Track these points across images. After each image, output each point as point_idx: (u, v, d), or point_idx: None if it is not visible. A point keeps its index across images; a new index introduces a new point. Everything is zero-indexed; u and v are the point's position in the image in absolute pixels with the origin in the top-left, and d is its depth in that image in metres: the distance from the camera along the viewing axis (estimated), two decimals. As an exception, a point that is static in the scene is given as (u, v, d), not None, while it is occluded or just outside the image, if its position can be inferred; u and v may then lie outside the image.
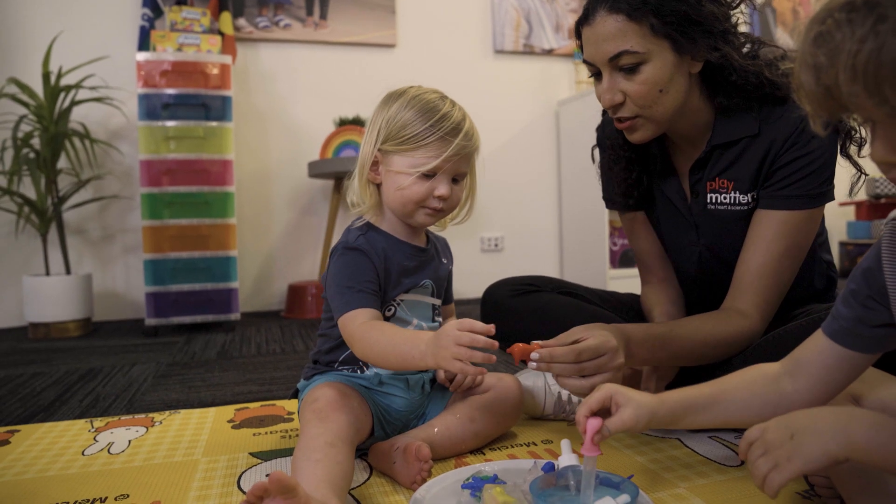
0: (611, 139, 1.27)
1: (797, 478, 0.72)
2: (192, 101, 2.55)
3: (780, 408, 0.76)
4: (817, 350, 0.77)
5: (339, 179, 3.00)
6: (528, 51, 3.58)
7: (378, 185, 1.08)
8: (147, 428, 1.30)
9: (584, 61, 1.11)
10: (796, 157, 1.07)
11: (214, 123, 2.57)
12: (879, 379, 0.82)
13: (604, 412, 0.82)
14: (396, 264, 1.06)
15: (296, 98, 3.19)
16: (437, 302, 1.15)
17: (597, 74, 1.11)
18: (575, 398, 1.26)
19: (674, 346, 1.07)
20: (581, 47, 1.11)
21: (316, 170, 2.86)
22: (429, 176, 1.03)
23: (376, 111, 1.07)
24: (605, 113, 1.37)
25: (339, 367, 1.10)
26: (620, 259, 3.45)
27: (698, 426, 0.83)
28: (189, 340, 2.39)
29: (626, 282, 3.15)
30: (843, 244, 4.09)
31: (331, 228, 3.04)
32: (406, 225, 1.09)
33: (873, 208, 4.07)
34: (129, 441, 1.23)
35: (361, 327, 0.95)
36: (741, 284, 1.12)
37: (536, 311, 1.32)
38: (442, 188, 1.03)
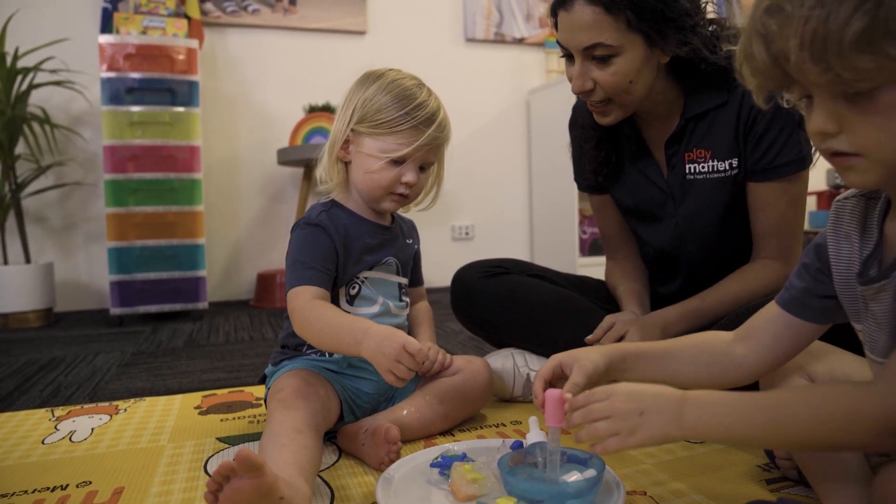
0: (583, 119, 1.29)
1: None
2: (157, 85, 2.50)
3: (728, 371, 0.80)
4: (768, 318, 0.80)
5: (309, 167, 2.97)
6: (500, 39, 3.58)
7: (346, 164, 1.08)
8: (111, 416, 1.28)
9: (558, 42, 1.13)
10: (771, 123, 1.11)
11: (181, 109, 2.52)
12: (829, 352, 0.85)
13: (560, 381, 0.81)
14: (358, 241, 1.07)
15: (265, 84, 3.15)
16: (404, 281, 1.15)
17: (569, 56, 1.13)
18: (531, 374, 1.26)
19: (711, 314, 1.12)
20: (556, 26, 1.12)
21: (285, 157, 2.82)
22: (398, 162, 1.03)
23: (352, 89, 1.07)
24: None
25: (307, 351, 1.09)
26: (590, 247, 3.49)
27: (649, 379, 0.84)
28: (156, 329, 2.35)
29: (597, 269, 3.17)
30: (805, 233, 4.19)
31: (300, 216, 3.00)
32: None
33: (833, 198, 4.17)
34: (92, 429, 1.20)
35: (303, 304, 0.96)
36: (759, 242, 1.19)
37: (506, 292, 1.33)
38: (409, 175, 1.04)
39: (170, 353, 1.92)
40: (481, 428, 1.14)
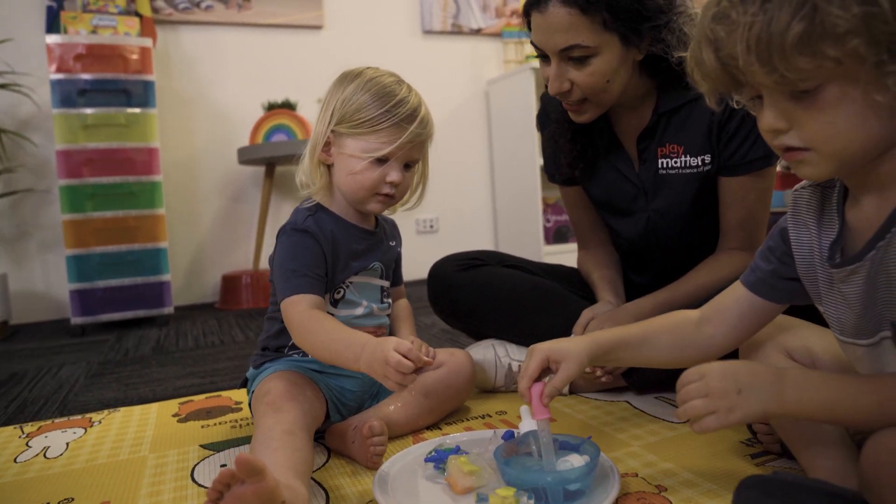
0: (556, 114, 1.29)
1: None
2: (111, 86, 2.42)
3: (700, 350, 0.85)
4: (735, 299, 0.84)
5: (271, 165, 2.92)
6: (457, 30, 3.57)
7: (329, 166, 1.06)
8: (85, 429, 1.24)
9: (532, 43, 1.13)
10: (742, 121, 1.13)
11: (137, 110, 2.45)
12: (802, 327, 0.89)
13: (545, 372, 0.85)
14: (345, 247, 1.05)
15: (221, 82, 3.08)
16: (386, 284, 1.14)
17: (544, 56, 1.13)
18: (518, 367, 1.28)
19: (682, 304, 1.14)
20: (528, 26, 1.12)
21: (246, 156, 2.77)
22: (381, 161, 1.01)
23: (331, 91, 1.05)
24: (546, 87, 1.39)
25: (289, 352, 1.08)
26: (555, 235, 3.53)
27: (626, 363, 0.92)
28: (120, 337, 2.29)
29: (562, 257, 3.22)
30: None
31: (263, 216, 2.96)
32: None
33: (786, 178, 4.30)
34: (67, 444, 1.16)
35: (302, 315, 0.93)
36: (727, 234, 1.22)
37: (483, 284, 1.34)
38: (394, 174, 1.02)
39: (138, 362, 1.87)
40: (467, 420, 1.15)
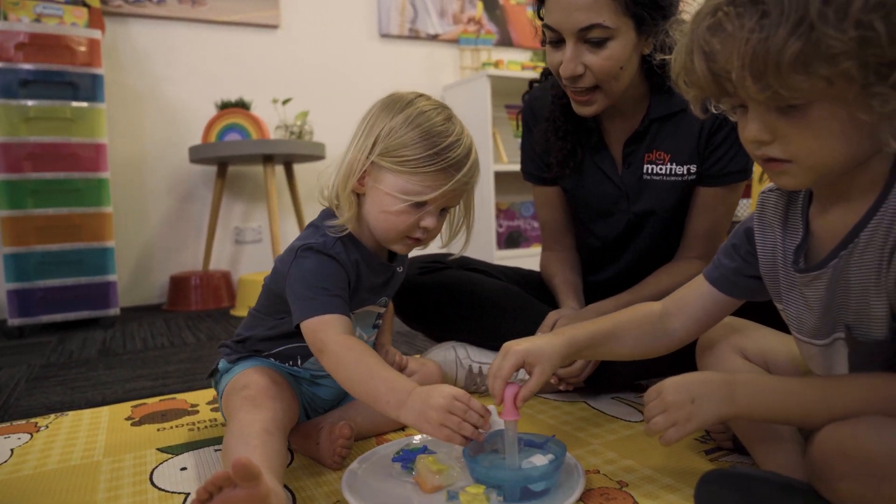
0: (546, 112, 1.31)
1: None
2: (56, 78, 2.32)
3: (664, 343, 0.90)
4: (698, 294, 0.89)
5: (224, 165, 2.87)
6: (414, 35, 3.58)
7: (359, 195, 0.98)
8: (31, 434, 1.19)
9: (546, 26, 1.12)
10: (729, 134, 1.18)
11: (84, 104, 2.37)
12: (754, 329, 0.94)
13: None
14: (367, 281, 1.01)
15: (173, 79, 3.00)
16: (384, 310, 1.12)
17: (555, 42, 1.13)
18: (486, 370, 1.30)
19: None
20: (541, 7, 1.13)
21: (198, 154, 2.71)
22: (419, 205, 0.94)
23: (374, 115, 0.96)
24: (531, 86, 1.41)
25: (267, 355, 1.06)
26: (507, 240, 3.57)
27: (598, 358, 0.97)
28: (63, 339, 2.20)
29: (513, 262, 3.25)
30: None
31: (214, 216, 2.90)
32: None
33: (748, 188, 4.46)
34: (12, 450, 1.11)
35: (339, 341, 0.86)
36: (691, 242, 1.27)
37: (445, 286, 1.35)
38: (429, 220, 0.95)
39: (84, 364, 1.81)
40: (430, 421, 1.16)
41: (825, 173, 0.65)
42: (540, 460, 0.83)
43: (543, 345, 0.84)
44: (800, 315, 0.76)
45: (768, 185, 0.83)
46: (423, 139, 0.92)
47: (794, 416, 0.71)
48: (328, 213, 1.00)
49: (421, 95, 0.98)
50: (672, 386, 0.74)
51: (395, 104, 0.96)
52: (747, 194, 3.15)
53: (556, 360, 0.84)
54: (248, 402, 0.89)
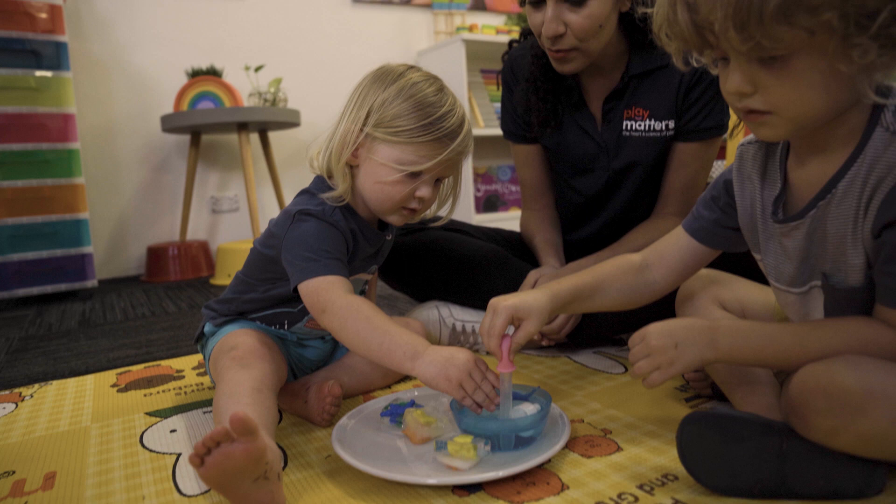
0: (526, 72, 1.31)
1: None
2: (16, 46, 2.25)
3: (644, 294, 0.93)
4: (678, 245, 0.92)
5: (197, 134, 2.82)
6: (387, 0, 3.52)
7: (352, 167, 0.98)
8: (16, 403, 1.19)
9: None
10: (706, 89, 1.20)
11: (48, 73, 2.30)
12: (732, 280, 0.96)
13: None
14: (361, 251, 1.01)
15: (140, 46, 2.92)
16: (371, 276, 1.12)
17: (534, 2, 1.14)
18: (469, 328, 1.31)
19: None
20: None
21: (170, 123, 2.66)
22: (414, 175, 0.94)
23: (367, 88, 0.96)
24: (510, 46, 1.41)
25: (253, 317, 1.06)
26: (485, 204, 3.58)
27: (582, 310, 0.98)
28: (41, 312, 2.18)
29: (492, 225, 3.28)
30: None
31: (189, 186, 2.86)
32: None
33: (722, 149, 4.51)
34: (-3, 418, 1.11)
35: (347, 300, 0.86)
36: (668, 198, 1.29)
37: (426, 246, 1.36)
38: (424, 190, 0.95)
39: (65, 335, 1.79)
40: (416, 379, 1.17)
41: (805, 124, 0.67)
42: (529, 409, 0.85)
43: (531, 300, 0.85)
44: (778, 265, 0.79)
45: (747, 136, 0.84)
46: (416, 110, 0.92)
47: (773, 359, 0.73)
48: (322, 181, 1.00)
49: (411, 67, 0.98)
50: (656, 331, 0.76)
51: (386, 76, 0.96)
52: (721, 156, 3.19)
53: (544, 314, 0.86)
54: (237, 363, 0.89)
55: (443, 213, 1.08)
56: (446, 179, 1.02)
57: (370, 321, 0.84)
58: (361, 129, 0.94)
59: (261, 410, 0.80)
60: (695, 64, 0.74)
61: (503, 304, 0.85)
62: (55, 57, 2.31)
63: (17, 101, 2.26)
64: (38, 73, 2.28)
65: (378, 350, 0.83)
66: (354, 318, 0.84)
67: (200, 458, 0.64)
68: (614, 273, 0.92)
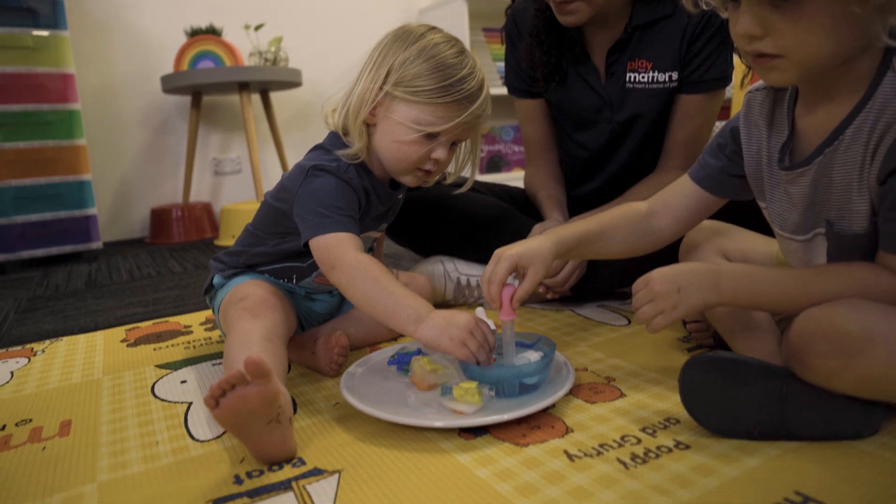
0: (529, 26, 1.30)
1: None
2: (12, 3, 2.21)
3: (650, 241, 0.93)
4: (683, 193, 0.91)
5: (198, 94, 2.80)
6: (388, -45, 3.45)
7: (368, 126, 0.98)
8: (28, 358, 1.21)
9: None
10: (710, 39, 1.18)
11: (45, 32, 2.27)
12: (735, 231, 0.97)
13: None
14: (373, 209, 1.02)
15: (138, 4, 2.88)
16: (380, 234, 1.12)
17: None
18: (474, 281, 1.33)
19: None
20: None
21: (171, 84, 2.64)
22: (431, 136, 0.94)
23: (388, 47, 0.96)
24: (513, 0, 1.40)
25: (262, 270, 1.07)
26: (488, 164, 3.57)
27: (585, 257, 0.96)
28: (47, 274, 2.20)
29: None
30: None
31: (192, 148, 2.85)
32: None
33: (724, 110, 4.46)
34: (12, 373, 1.13)
35: (358, 258, 0.86)
36: (671, 152, 1.28)
37: (431, 202, 1.36)
38: (440, 152, 0.95)
39: (72, 296, 1.81)
40: (422, 332, 1.19)
41: (815, 69, 0.66)
42: (533, 357, 0.86)
43: (535, 246, 0.86)
44: (783, 212, 0.79)
45: (755, 83, 0.84)
46: (437, 70, 0.92)
47: (775, 302, 0.74)
48: (336, 137, 1.00)
49: (432, 28, 0.97)
50: (659, 276, 0.76)
51: (407, 36, 0.95)
52: (725, 116, 3.16)
53: (548, 259, 0.86)
54: (247, 312, 0.91)
55: (465, 173, 1.08)
56: (463, 143, 1.02)
57: (377, 282, 0.84)
58: (381, 88, 0.94)
59: (272, 359, 0.81)
60: (703, 6, 0.73)
61: (507, 252, 0.85)
62: (52, 15, 2.28)
63: (14, 60, 2.23)
64: (36, 32, 2.26)
65: (383, 311, 0.84)
66: (362, 278, 0.85)
67: (216, 400, 0.65)
68: (620, 220, 0.93)
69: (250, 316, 0.90)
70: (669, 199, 0.92)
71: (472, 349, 0.79)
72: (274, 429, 0.70)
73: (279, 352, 0.85)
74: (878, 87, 0.65)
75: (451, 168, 1.06)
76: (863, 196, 0.69)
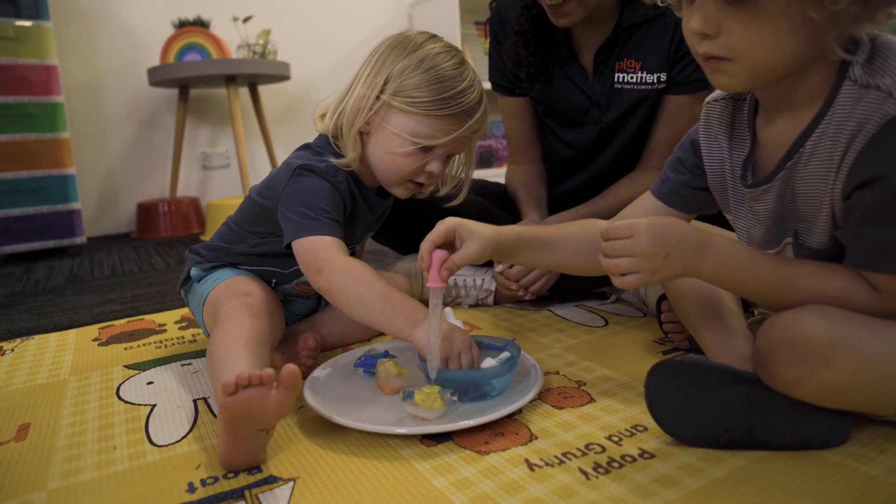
0: (515, 24, 1.28)
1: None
2: (-6, -5, 2.19)
3: None
4: (645, 209, 0.87)
5: (185, 87, 2.77)
6: (379, -53, 3.41)
7: (362, 134, 0.96)
8: (-3, 357, 1.19)
9: None
10: None
11: (28, 23, 2.24)
12: (710, 230, 0.94)
13: (447, 246, 0.83)
14: (362, 219, 1.00)
15: (123, -5, 2.85)
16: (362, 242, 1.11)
17: None
18: (451, 281, 1.31)
19: (602, 217, 1.15)
20: None
21: (157, 76, 2.61)
22: (426, 149, 0.92)
23: (385, 54, 0.93)
24: None
25: (244, 268, 1.04)
26: (479, 160, 3.54)
27: (535, 263, 0.89)
28: (28, 269, 2.17)
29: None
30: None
31: (179, 141, 2.82)
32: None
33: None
34: (-22, 372, 1.11)
35: (347, 263, 0.84)
36: (653, 152, 1.27)
37: (408, 199, 1.33)
38: (435, 165, 0.94)
39: (51, 291, 1.79)
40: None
41: (764, 75, 0.64)
42: (501, 358, 0.84)
43: (479, 227, 0.82)
44: (749, 227, 0.77)
45: (713, 94, 0.81)
46: (436, 82, 0.90)
47: (752, 296, 0.72)
48: (326, 140, 0.98)
49: (433, 37, 0.95)
50: (649, 233, 0.67)
51: (406, 44, 0.93)
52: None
53: (487, 244, 0.80)
54: (249, 309, 0.88)
55: (459, 190, 1.06)
56: (457, 156, 1.00)
57: (371, 286, 0.83)
58: (378, 97, 0.92)
59: (262, 365, 0.79)
60: (659, 2, 0.71)
61: (449, 218, 0.82)
62: (33, 6, 2.25)
63: (-4, 52, 2.20)
64: (18, 23, 2.22)
65: (380, 315, 0.82)
66: (356, 282, 0.83)
67: (236, 387, 0.63)
68: (576, 231, 0.87)
69: (251, 313, 0.88)
70: (631, 216, 0.87)
71: (464, 364, 0.81)
72: (260, 438, 0.69)
73: (267, 359, 0.84)
74: (836, 98, 0.63)
75: (444, 179, 1.04)
76: (824, 210, 0.66)
